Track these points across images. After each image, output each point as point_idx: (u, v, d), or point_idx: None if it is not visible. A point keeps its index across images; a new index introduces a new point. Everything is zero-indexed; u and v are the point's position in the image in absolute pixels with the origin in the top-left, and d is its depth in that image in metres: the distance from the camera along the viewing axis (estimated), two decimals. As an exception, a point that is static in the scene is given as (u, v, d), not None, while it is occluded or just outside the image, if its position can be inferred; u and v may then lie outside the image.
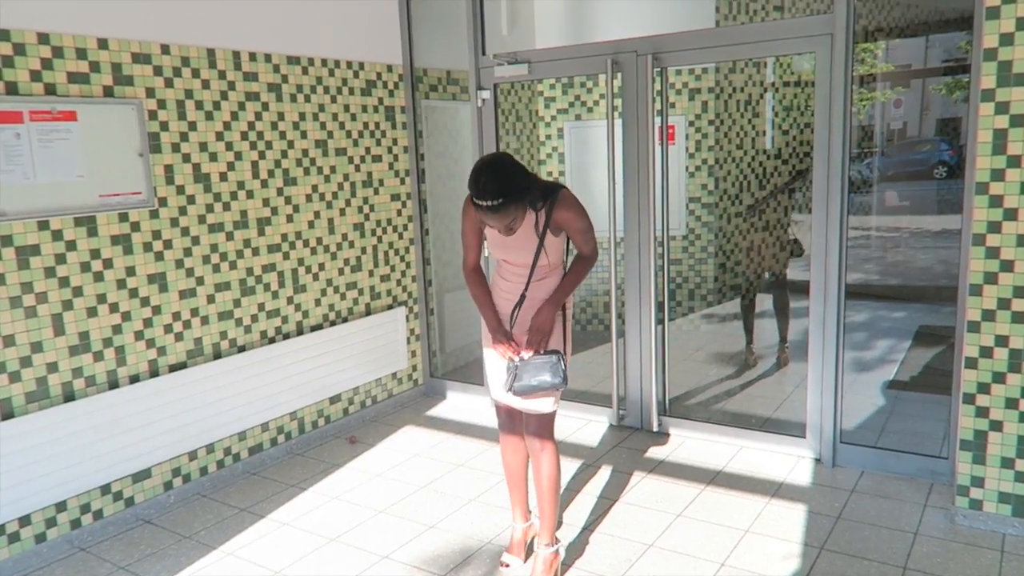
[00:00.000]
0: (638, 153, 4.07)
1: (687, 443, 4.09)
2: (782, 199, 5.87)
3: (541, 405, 2.72)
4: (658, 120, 4.07)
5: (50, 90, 3.12)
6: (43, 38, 3.08)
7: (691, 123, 5.82)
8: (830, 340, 3.65)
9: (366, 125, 4.53)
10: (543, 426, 2.76)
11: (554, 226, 2.65)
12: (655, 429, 4.25)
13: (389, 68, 4.66)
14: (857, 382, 4.84)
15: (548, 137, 6.10)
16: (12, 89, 3.00)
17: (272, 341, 4.07)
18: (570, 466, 3.83)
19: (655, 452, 4.00)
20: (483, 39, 4.52)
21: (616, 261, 4.17)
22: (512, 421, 2.90)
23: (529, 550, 2.98)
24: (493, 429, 4.33)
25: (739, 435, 4.06)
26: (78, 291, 3.24)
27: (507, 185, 2.43)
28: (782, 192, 6.03)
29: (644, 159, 4.05)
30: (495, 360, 2.80)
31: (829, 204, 3.56)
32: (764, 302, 5.41)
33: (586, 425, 4.42)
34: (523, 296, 2.72)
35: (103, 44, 3.27)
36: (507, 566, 2.93)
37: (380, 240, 4.68)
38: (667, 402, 4.33)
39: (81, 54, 3.20)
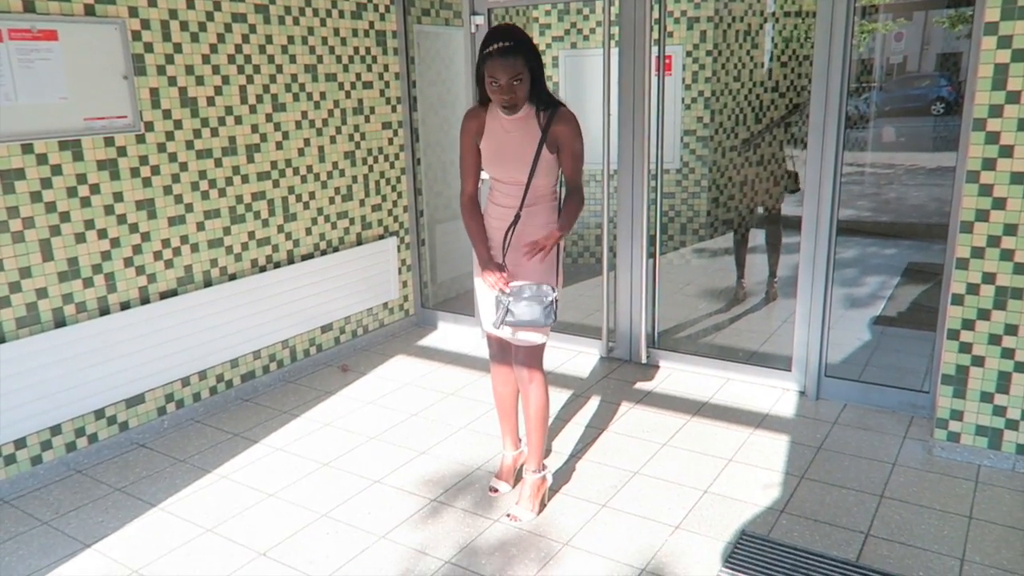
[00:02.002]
0: (634, 83, 4.00)
1: (675, 375, 4.15)
2: (778, 133, 5.81)
3: (532, 337, 2.75)
4: (655, 49, 3.99)
5: (29, 7, 3.01)
6: (19, -48, 2.96)
7: (688, 53, 5.70)
8: (819, 276, 3.67)
9: (356, 50, 4.42)
10: (532, 357, 2.79)
11: (551, 140, 2.60)
12: (644, 361, 4.30)
13: (380, -10, 4.52)
14: (844, 318, 4.89)
15: (543, 66, 5.97)
16: (-11, 6, 2.90)
17: (263, 270, 4.06)
18: (559, 396, 3.89)
19: (643, 384, 4.06)
20: (477, -39, 4.38)
21: (609, 194, 4.15)
22: (503, 352, 2.92)
23: (518, 477, 3.05)
24: (483, 359, 4.38)
25: (726, 368, 4.12)
26: (65, 216, 3.21)
27: (521, 33, 2.50)
28: (778, 126, 5.97)
29: (640, 90, 3.98)
30: (486, 292, 2.81)
31: (825, 139, 3.52)
32: (757, 237, 5.41)
33: (576, 356, 4.47)
34: (517, 217, 2.67)
35: (82, -41, 3.15)
36: (496, 491, 3.00)
37: (371, 169, 4.63)
38: (656, 335, 4.37)
39: (60, -31, 3.09)
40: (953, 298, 3.07)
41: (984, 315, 3.02)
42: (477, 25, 4.39)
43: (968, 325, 3.06)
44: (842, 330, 4.60)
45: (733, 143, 6.05)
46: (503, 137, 2.64)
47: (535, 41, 2.86)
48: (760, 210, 5.35)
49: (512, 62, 2.43)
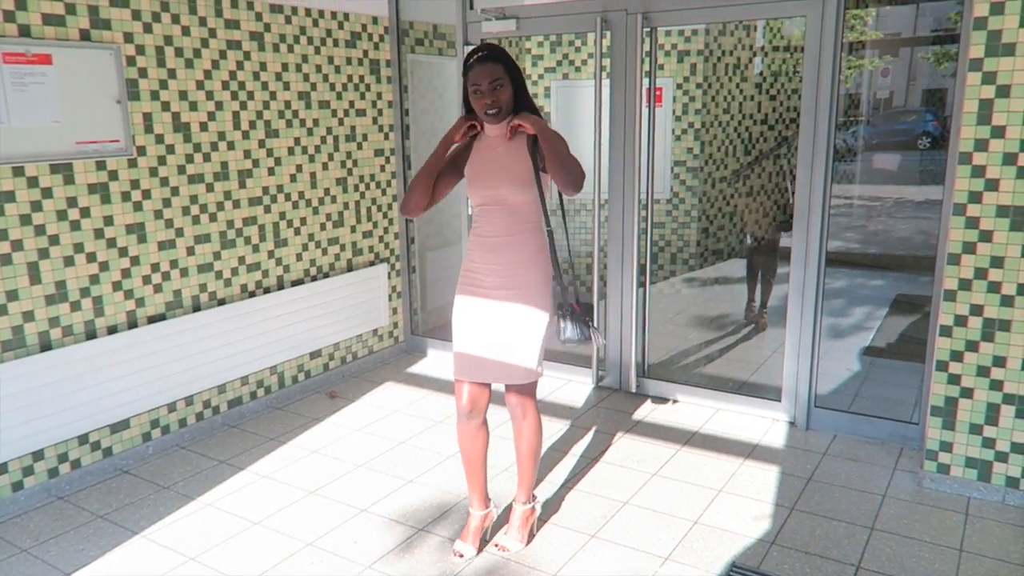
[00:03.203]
0: (625, 114, 4.04)
1: (665, 404, 4.14)
2: (767, 165, 5.88)
3: (522, 374, 2.66)
4: (646, 81, 4.04)
5: (24, 31, 3.03)
6: (17, -23, 2.98)
7: (679, 86, 5.78)
8: (809, 306, 3.69)
9: (350, 78, 4.45)
10: (526, 391, 2.72)
11: (539, 150, 2.55)
12: (634, 390, 4.29)
13: (375, 20, 4.57)
14: (833, 348, 4.91)
15: (535, 96, 6.03)
16: (-16, 29, 2.91)
17: (252, 295, 4.04)
18: (550, 425, 3.87)
19: (633, 413, 4.05)
20: (471, -7, 4.44)
21: (600, 223, 4.17)
22: (474, 406, 2.70)
23: (484, 540, 2.84)
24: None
25: (716, 397, 4.11)
26: (54, 239, 3.19)
27: (498, 47, 2.56)
28: (767, 158, 6.04)
29: (631, 120, 4.02)
30: (464, 335, 2.69)
31: (813, 171, 3.56)
32: (742, 266, 5.44)
33: (566, 385, 4.46)
34: (502, 244, 2.61)
35: (79, -15, 3.18)
36: (461, 555, 2.74)
37: (363, 196, 4.64)
38: (647, 364, 4.37)
39: (56, -5, 3.11)
40: (941, 329, 3.09)
41: (972, 347, 3.03)
42: (470, 55, 4.43)
43: (956, 357, 3.07)
44: (831, 360, 4.61)
45: (723, 174, 6.11)
46: (489, 154, 2.62)
47: (527, 71, 2.89)
48: (748, 240, 5.39)
49: (491, 67, 2.50)
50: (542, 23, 4.34)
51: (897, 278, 6.65)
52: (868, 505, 3.07)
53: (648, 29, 3.96)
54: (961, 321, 3.03)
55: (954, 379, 3.09)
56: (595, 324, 2.80)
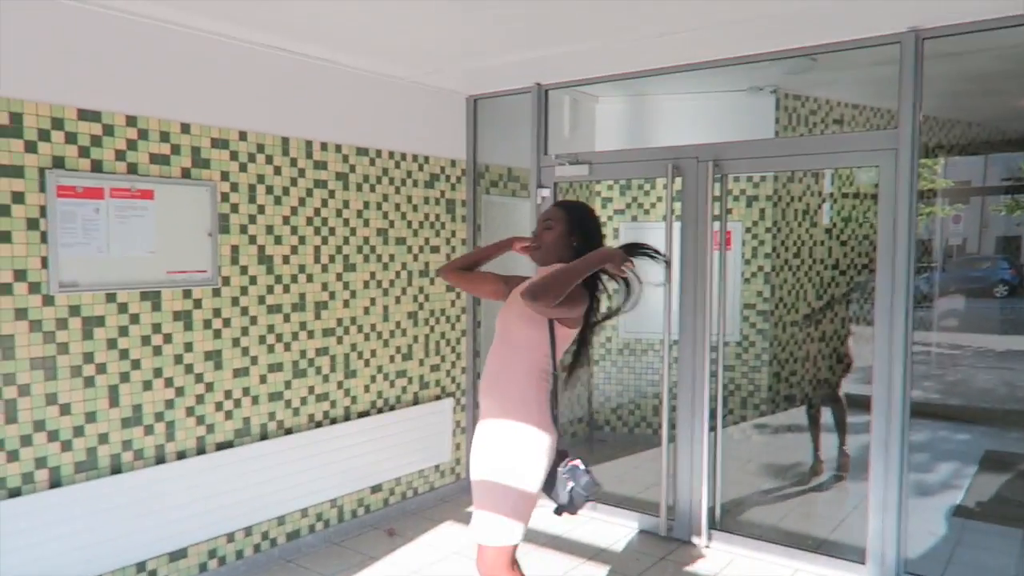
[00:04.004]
0: (695, 256, 4.05)
1: (738, 561, 3.88)
2: (839, 310, 5.76)
3: (481, 534, 2.51)
4: (715, 225, 4.07)
5: (132, 169, 3.26)
6: (131, 120, 3.25)
7: (748, 229, 5.81)
8: (893, 461, 3.48)
9: (427, 216, 4.63)
10: (485, 559, 2.51)
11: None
12: (705, 544, 4.05)
13: (453, 163, 4.79)
14: (920, 506, 4.58)
15: (604, 236, 6.13)
16: (97, 167, 3.15)
17: (319, 425, 4.05)
18: (614, 577, 3.66)
19: (704, 568, 3.80)
20: (546, 140, 4.64)
21: (669, 364, 4.10)
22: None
23: None
24: (535, 531, 4.19)
25: (793, 556, 3.84)
26: (136, 364, 3.29)
27: (574, 204, 2.68)
28: (839, 303, 5.93)
29: (701, 263, 4.03)
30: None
31: (893, 318, 3.46)
32: (823, 413, 5.22)
33: (631, 534, 4.24)
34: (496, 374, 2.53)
35: (185, 128, 3.44)
36: None
37: (432, 330, 4.70)
38: (718, 515, 4.15)
39: (164, 137, 3.36)
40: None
41: (1083, 515, 2.78)
42: (543, 197, 4.57)
43: (1065, 525, 2.82)
44: (918, 520, 4.29)
45: (793, 318, 6.00)
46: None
47: (597, 213, 2.91)
48: (823, 387, 5.21)
49: (552, 210, 2.63)
50: (614, 168, 4.49)
51: (984, 432, 6.28)
52: None
53: (718, 176, 4.04)
54: (1068, 485, 2.80)
55: (1064, 550, 2.82)
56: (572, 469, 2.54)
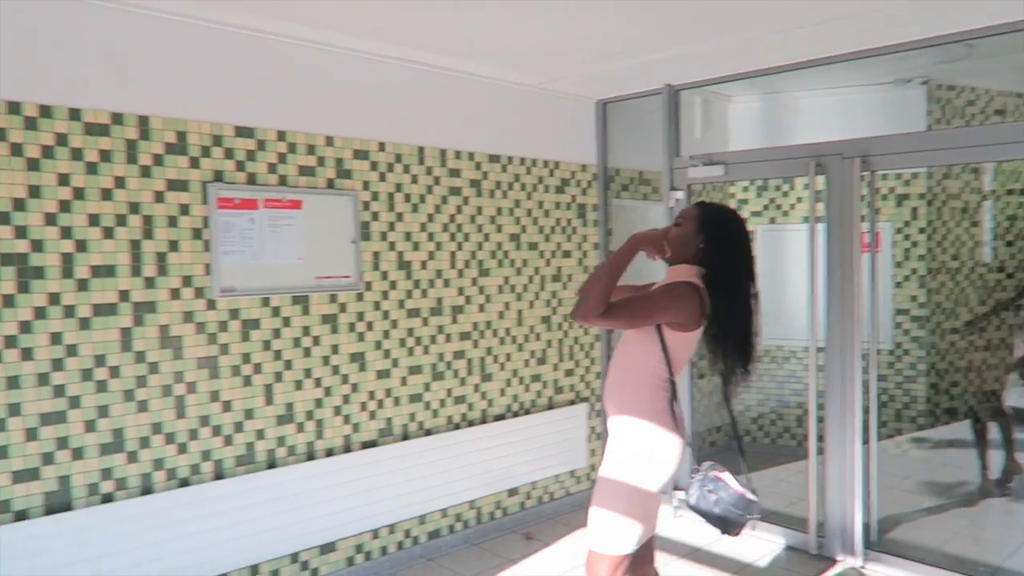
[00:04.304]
0: (842, 260, 3.83)
1: (898, 582, 3.61)
2: (1007, 316, 5.28)
3: (590, 538, 2.43)
4: (863, 226, 3.84)
5: (282, 181, 3.46)
6: (281, 135, 3.45)
7: (899, 230, 5.44)
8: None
9: (558, 221, 4.63)
10: (589, 563, 2.43)
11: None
12: (859, 564, 3.79)
13: (583, 167, 4.78)
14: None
15: (745, 247, 5.92)
16: (251, 179, 3.36)
17: (457, 427, 4.12)
18: (760, 592, 3.49)
19: (860, 588, 3.56)
20: (678, 141, 4.54)
21: (815, 372, 3.88)
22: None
23: None
24: (672, 540, 4.07)
25: (962, 580, 3.53)
26: (288, 364, 3.47)
27: (710, 205, 2.51)
28: (1006, 308, 5.43)
29: (848, 266, 3.80)
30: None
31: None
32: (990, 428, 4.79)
33: (776, 550, 4.04)
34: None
35: (330, 141, 3.61)
36: None
37: (566, 334, 4.68)
38: (874, 533, 3.87)
39: (311, 149, 3.55)
40: None
41: None
42: (676, 199, 4.47)
43: None
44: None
45: (954, 325, 5.55)
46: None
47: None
48: (990, 399, 4.78)
49: (686, 208, 2.53)
50: (750, 168, 4.32)
51: None
52: None
53: (865, 173, 3.81)
54: None
55: None
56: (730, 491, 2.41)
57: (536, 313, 4.51)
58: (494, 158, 4.30)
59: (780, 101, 5.56)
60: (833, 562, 3.85)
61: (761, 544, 4.08)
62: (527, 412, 4.47)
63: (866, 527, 3.83)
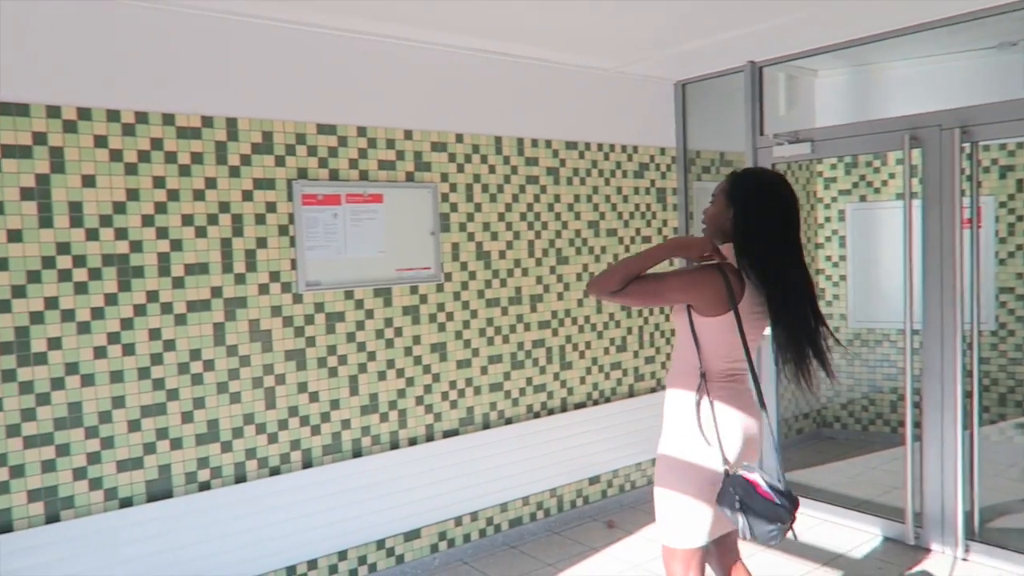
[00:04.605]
0: (941, 237, 3.64)
1: (1004, 577, 3.44)
2: None
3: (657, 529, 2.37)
4: (964, 201, 3.63)
5: (363, 176, 3.52)
6: (361, 131, 3.51)
7: (1002, 204, 5.13)
8: None
9: (637, 207, 4.56)
10: (664, 558, 2.36)
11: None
12: (960, 555, 3.62)
13: (662, 151, 4.68)
14: None
15: (827, 220, 5.72)
16: (334, 175, 3.43)
17: (537, 416, 4.13)
18: (853, 585, 3.38)
19: (961, 583, 3.40)
20: (761, 119, 4.39)
21: (911, 356, 3.71)
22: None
23: None
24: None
25: (1076, 576, 3.33)
26: (372, 355, 3.55)
27: (737, 174, 2.29)
28: None
29: (948, 244, 3.61)
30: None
31: None
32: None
33: (870, 539, 3.90)
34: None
35: (408, 135, 3.65)
36: None
37: (646, 321, 4.62)
38: (976, 524, 3.69)
39: (390, 144, 3.59)
40: None
41: None
42: (760, 180, 4.33)
43: None
44: None
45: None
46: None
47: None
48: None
49: (720, 183, 2.33)
50: (839, 144, 4.14)
51: None
52: None
53: (967, 144, 3.59)
54: None
55: None
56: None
57: (615, 300, 4.46)
58: (571, 145, 4.26)
59: (870, 73, 5.29)
60: (930, 553, 3.70)
61: (852, 534, 3.95)
62: (607, 400, 4.44)
63: (967, 517, 3.66)
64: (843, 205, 5.66)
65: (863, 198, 5.61)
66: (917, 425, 3.79)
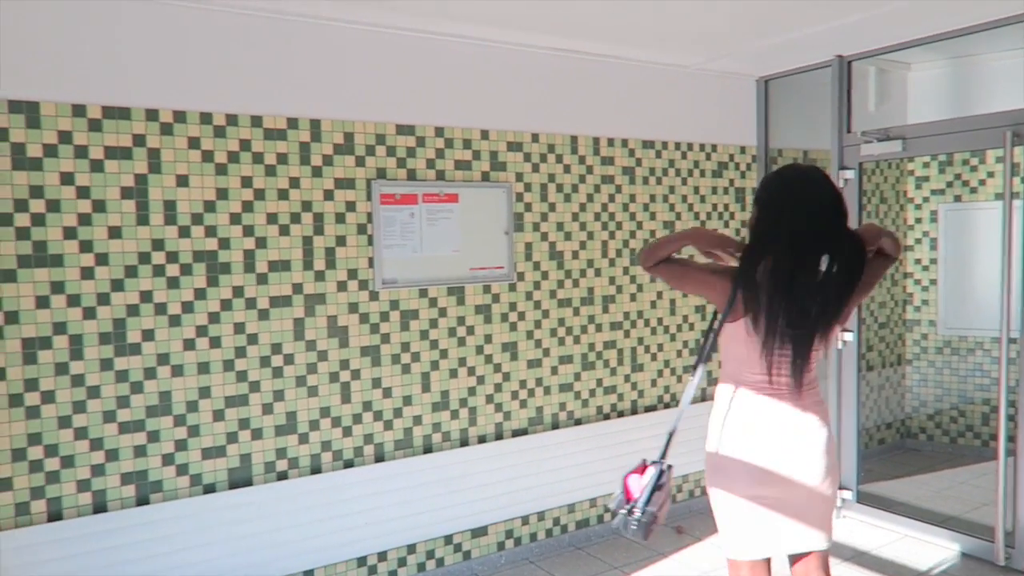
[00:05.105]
0: (1043, 241, 3.44)
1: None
2: None
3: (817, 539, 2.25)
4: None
5: (440, 176, 3.57)
6: (439, 131, 3.56)
7: (1113, 206, 4.80)
8: None
9: (714, 207, 4.47)
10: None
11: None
12: (1055, 581, 3.44)
13: (742, 150, 4.57)
14: None
15: (918, 220, 5.47)
16: (411, 175, 3.49)
17: (607, 417, 4.12)
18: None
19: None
20: (849, 116, 4.23)
21: (1007, 366, 3.52)
22: None
23: None
24: (835, 542, 3.87)
25: None
26: (444, 353, 3.61)
27: (766, 175, 2.25)
28: None
29: (1050, 249, 3.41)
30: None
31: None
32: None
33: (954, 558, 3.73)
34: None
35: (485, 135, 3.68)
36: None
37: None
38: (1074, 549, 3.50)
39: (467, 144, 3.63)
40: None
41: None
42: (846, 179, 4.18)
43: None
44: None
45: None
46: None
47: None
48: None
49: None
50: (932, 142, 3.96)
51: None
52: None
53: (1074, 144, 3.38)
54: None
55: None
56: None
57: (690, 302, 4.40)
58: (648, 144, 4.20)
59: (968, 66, 5.02)
60: (1021, 574, 3.52)
61: (935, 551, 3.79)
62: (678, 404, 4.38)
63: (1063, 542, 3.46)
64: (935, 205, 5.40)
65: (958, 198, 5.34)
66: (1011, 439, 3.60)
